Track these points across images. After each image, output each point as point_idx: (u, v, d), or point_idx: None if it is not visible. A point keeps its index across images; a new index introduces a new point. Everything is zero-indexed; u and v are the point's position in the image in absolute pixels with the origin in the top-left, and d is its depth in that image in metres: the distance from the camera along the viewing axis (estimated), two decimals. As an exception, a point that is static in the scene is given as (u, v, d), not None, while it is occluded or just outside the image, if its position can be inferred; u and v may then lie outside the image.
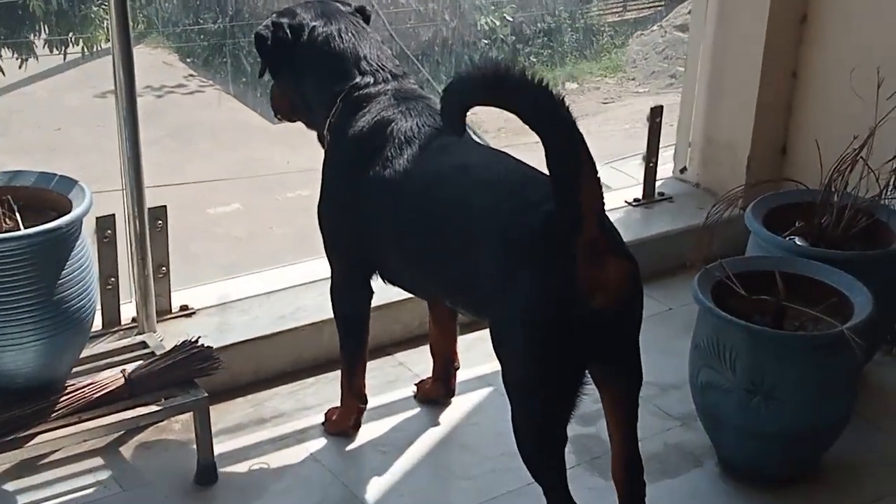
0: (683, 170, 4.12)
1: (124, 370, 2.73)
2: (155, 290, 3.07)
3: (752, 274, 2.90)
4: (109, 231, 2.96)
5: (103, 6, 8.20)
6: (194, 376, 2.76)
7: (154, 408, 2.68)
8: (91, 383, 2.68)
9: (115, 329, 3.06)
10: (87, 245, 2.65)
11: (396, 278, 2.78)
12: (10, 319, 2.51)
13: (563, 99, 2.14)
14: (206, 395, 2.75)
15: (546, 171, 2.23)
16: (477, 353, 3.17)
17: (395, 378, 3.23)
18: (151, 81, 10.44)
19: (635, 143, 4.53)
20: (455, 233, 2.47)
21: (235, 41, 9.22)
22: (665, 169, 4.14)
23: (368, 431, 3.00)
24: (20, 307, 2.51)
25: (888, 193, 3.15)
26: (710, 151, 4.02)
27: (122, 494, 2.75)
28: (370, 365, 3.10)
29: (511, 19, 10.46)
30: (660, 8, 11.71)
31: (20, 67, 8.77)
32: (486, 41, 10.11)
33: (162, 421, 2.91)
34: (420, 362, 3.22)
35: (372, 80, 2.74)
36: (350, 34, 2.78)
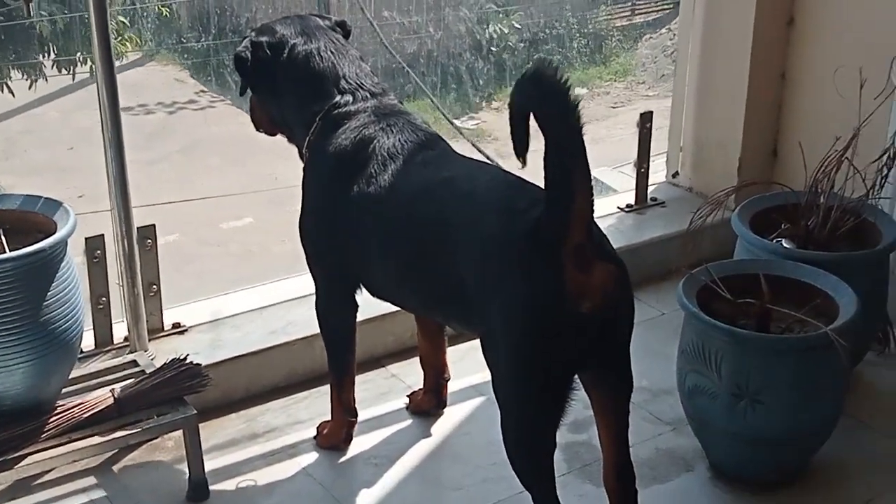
0: (675, 174, 4.13)
1: (113, 389, 2.75)
2: (146, 308, 3.10)
3: (738, 277, 2.91)
4: (99, 251, 2.99)
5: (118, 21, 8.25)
6: (183, 393, 2.79)
7: (142, 426, 2.70)
8: (80, 403, 2.70)
9: (108, 348, 3.09)
10: (72, 266, 2.68)
11: (382, 292, 2.80)
12: (-3, 342, 2.55)
13: (577, 106, 2.15)
14: (195, 412, 2.77)
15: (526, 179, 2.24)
16: (469, 363, 3.19)
17: (387, 390, 3.25)
18: (163, 98, 10.52)
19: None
20: (441, 243, 2.48)
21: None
22: (659, 174, 4.15)
23: (360, 444, 3.02)
24: (6, 330, 2.53)
25: (875, 193, 3.15)
26: (701, 155, 4.03)
27: (115, 513, 2.78)
28: (362, 377, 3.13)
29: (519, 26, 10.49)
30: (668, 10, 11.70)
31: (30, 88, 8.85)
32: (493, 48, 10.13)
33: (154, 439, 2.94)
34: (412, 374, 3.24)
35: (351, 99, 2.76)
36: (330, 52, 2.80)
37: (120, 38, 8.45)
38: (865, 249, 3.10)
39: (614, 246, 2.39)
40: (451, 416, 3.14)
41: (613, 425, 2.48)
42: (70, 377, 2.80)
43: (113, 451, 2.89)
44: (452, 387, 3.16)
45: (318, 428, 3.03)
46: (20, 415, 2.63)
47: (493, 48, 10.13)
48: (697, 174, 4.06)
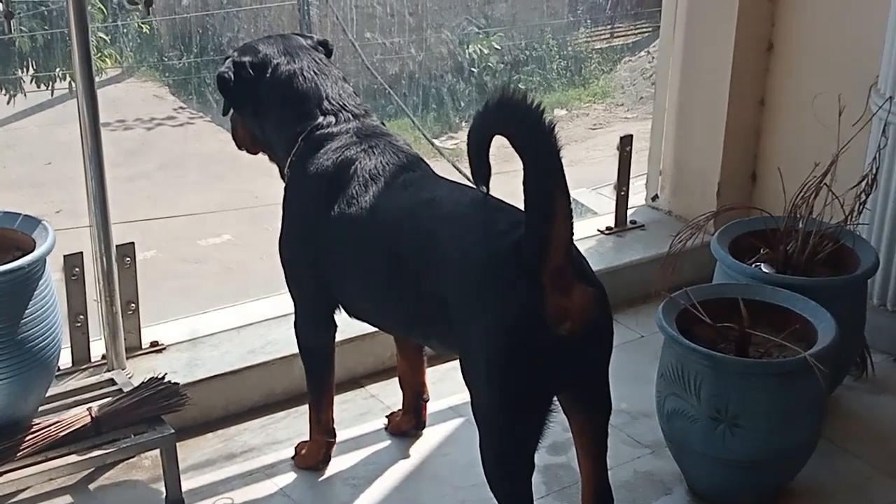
0: (655, 197, 4.15)
1: (91, 408, 2.74)
2: (124, 326, 3.09)
3: (718, 301, 2.92)
4: (77, 269, 2.97)
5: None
6: (161, 413, 2.77)
7: (119, 445, 2.69)
8: (57, 422, 2.69)
9: (86, 366, 3.07)
10: (51, 284, 2.67)
11: (361, 313, 2.79)
12: (-27, 360, 2.53)
13: (552, 128, 2.16)
14: (173, 431, 2.76)
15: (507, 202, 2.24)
16: (448, 384, 3.19)
17: (366, 410, 3.24)
18: (141, 114, 10.47)
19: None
20: (422, 265, 2.48)
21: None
22: (638, 196, 4.17)
23: (339, 464, 3.01)
24: (-17, 347, 2.52)
25: (853, 219, 3.17)
26: (680, 179, 4.05)
27: (91, 532, 2.77)
28: (341, 397, 3.13)
29: (499, 47, 10.51)
30: (647, 34, 11.75)
31: (9, 103, 8.81)
32: (474, 69, 10.15)
33: (132, 458, 2.92)
34: (392, 394, 3.23)
35: (334, 120, 2.76)
36: (313, 72, 2.80)
37: (100, 54, 8.43)
38: (844, 275, 3.12)
39: (594, 268, 2.40)
40: (430, 437, 3.13)
41: (592, 447, 2.48)
42: (47, 395, 2.79)
43: (90, 470, 2.87)
44: (431, 407, 3.16)
45: (296, 448, 3.02)
46: (-3, 432, 2.62)
47: (473, 69, 10.15)
48: (677, 198, 4.08)
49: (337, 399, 2.98)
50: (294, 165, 2.76)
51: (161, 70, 10.58)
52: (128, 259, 3.08)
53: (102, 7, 8.14)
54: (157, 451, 2.82)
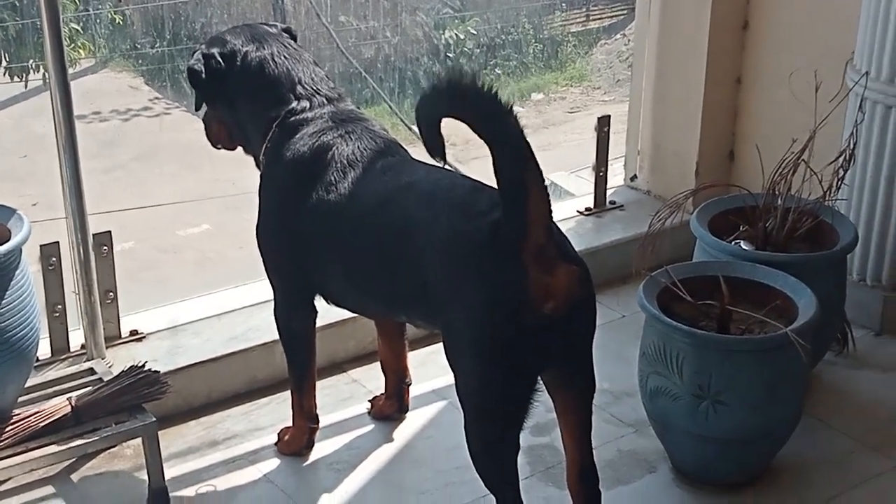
0: (634, 178, 4.15)
1: (70, 398, 2.72)
2: (103, 315, 3.07)
3: (698, 279, 2.92)
4: (54, 258, 2.95)
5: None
6: (142, 401, 2.76)
7: (100, 434, 2.67)
8: (37, 412, 2.67)
9: (65, 356, 3.05)
10: (28, 274, 2.65)
11: (340, 299, 2.78)
12: (-50, 351, 2.51)
13: (510, 108, 2.16)
14: (155, 419, 2.74)
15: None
16: (431, 367, 3.19)
17: (349, 395, 3.23)
18: (117, 105, 10.42)
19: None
20: (404, 248, 2.47)
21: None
22: (617, 177, 4.17)
23: (322, 449, 3.00)
24: (-40, 338, 2.50)
25: (831, 195, 3.18)
26: (658, 159, 4.05)
27: (74, 522, 2.75)
28: (323, 382, 3.12)
29: (475, 32, 10.49)
30: (622, 17, 11.75)
31: (-18, 96, 8.75)
32: (450, 54, 10.14)
33: (113, 447, 2.90)
34: (374, 379, 3.22)
35: (308, 105, 2.74)
36: (283, 57, 2.78)
37: (73, 44, 8.37)
38: (823, 251, 3.13)
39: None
40: (413, 421, 3.13)
41: (576, 427, 2.48)
42: (26, 386, 2.77)
43: (71, 460, 2.86)
44: (414, 391, 3.15)
45: (279, 434, 3.01)
46: (-24, 424, 2.60)
47: (449, 53, 10.13)
48: (655, 177, 4.08)
49: (319, 384, 2.97)
50: (269, 152, 2.74)
51: (135, 58, 10.52)
52: (105, 248, 3.06)
53: (73, -4, 8.09)
54: (139, 440, 2.80)
